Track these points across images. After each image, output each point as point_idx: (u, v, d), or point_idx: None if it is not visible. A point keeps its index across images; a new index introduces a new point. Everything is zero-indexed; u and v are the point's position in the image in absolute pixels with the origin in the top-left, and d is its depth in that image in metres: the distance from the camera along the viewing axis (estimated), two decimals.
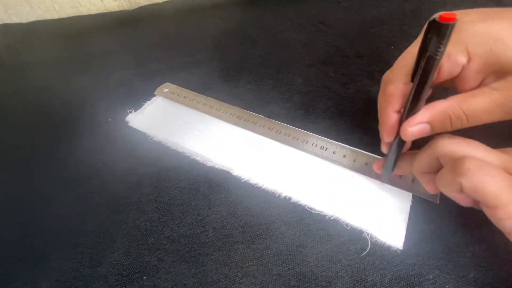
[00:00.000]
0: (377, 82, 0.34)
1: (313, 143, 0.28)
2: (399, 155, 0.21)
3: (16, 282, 0.22)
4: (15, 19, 0.53)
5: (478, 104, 0.17)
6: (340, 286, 0.20)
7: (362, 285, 0.20)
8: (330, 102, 0.33)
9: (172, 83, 0.37)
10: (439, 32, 0.14)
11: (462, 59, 0.17)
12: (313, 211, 0.24)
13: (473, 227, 0.22)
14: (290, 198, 0.25)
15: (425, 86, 0.16)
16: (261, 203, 0.25)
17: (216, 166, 0.28)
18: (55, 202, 0.27)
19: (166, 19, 0.51)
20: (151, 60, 0.42)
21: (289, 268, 0.21)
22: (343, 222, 0.23)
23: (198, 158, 0.29)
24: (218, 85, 0.37)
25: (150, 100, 0.35)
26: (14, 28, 0.52)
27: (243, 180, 0.26)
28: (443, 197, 0.23)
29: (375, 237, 0.22)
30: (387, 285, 0.20)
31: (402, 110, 0.19)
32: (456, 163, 0.17)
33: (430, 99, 0.18)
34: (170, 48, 0.44)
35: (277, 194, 0.25)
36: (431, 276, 0.20)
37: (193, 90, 0.36)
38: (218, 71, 0.39)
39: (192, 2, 0.54)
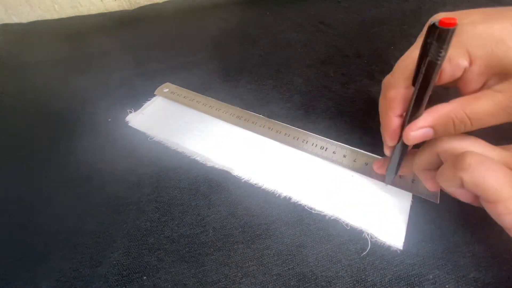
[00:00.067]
0: (377, 82, 0.34)
1: (313, 143, 0.28)
2: (402, 158, 0.21)
3: (16, 282, 0.22)
4: (15, 19, 0.53)
5: (482, 107, 0.16)
6: (340, 286, 0.20)
7: (362, 285, 0.20)
8: (330, 102, 0.33)
9: (172, 83, 0.37)
10: (439, 37, 0.14)
11: (464, 62, 0.17)
12: (313, 211, 0.24)
13: (473, 227, 0.22)
14: (290, 198, 0.25)
15: (427, 90, 0.16)
16: (261, 203, 0.25)
17: (216, 166, 0.28)
18: (55, 202, 0.27)
19: (166, 19, 0.51)
20: (151, 60, 0.42)
21: (289, 268, 0.21)
22: (343, 222, 0.23)
23: (198, 158, 0.29)
24: (218, 85, 0.37)
25: (150, 100, 0.35)
26: (14, 28, 0.52)
27: (243, 180, 0.26)
28: (443, 197, 0.23)
29: (375, 237, 0.22)
30: (387, 285, 0.20)
31: (404, 114, 0.19)
32: (457, 158, 0.17)
33: (431, 99, 0.18)
34: (170, 48, 0.44)
35: (277, 194, 0.25)
36: (431, 276, 0.20)
37: (193, 90, 0.36)
38: (218, 71, 0.39)
39: (192, 2, 0.54)
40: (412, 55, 0.19)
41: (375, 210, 0.23)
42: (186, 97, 0.35)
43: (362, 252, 0.21)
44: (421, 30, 0.21)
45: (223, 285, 0.21)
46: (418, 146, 0.20)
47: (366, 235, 0.22)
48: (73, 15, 0.54)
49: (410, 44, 0.20)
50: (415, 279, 0.20)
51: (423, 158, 0.20)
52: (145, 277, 0.22)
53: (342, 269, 0.21)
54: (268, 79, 0.37)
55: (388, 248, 0.21)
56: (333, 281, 0.20)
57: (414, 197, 0.24)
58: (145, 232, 0.24)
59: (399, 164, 0.21)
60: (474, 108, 0.17)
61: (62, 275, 0.22)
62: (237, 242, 0.23)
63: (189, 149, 0.29)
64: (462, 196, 0.18)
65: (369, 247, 0.22)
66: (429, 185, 0.20)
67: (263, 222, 0.24)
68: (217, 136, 0.30)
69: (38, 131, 0.34)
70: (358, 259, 0.21)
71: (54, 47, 0.47)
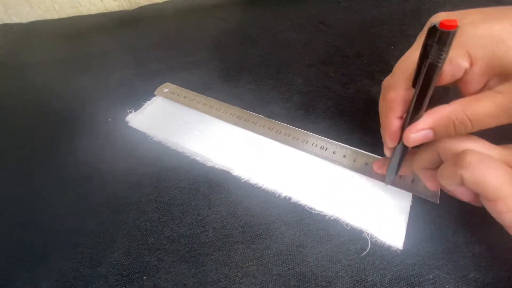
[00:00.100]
0: (377, 82, 0.34)
1: (313, 143, 0.28)
2: (402, 159, 0.21)
3: (16, 282, 0.22)
4: (15, 19, 0.53)
5: (483, 109, 0.16)
6: (340, 286, 0.20)
7: (362, 285, 0.20)
8: (330, 102, 0.33)
9: (172, 83, 0.37)
10: (440, 39, 0.14)
11: (464, 63, 0.17)
12: (313, 211, 0.24)
13: (473, 227, 0.22)
14: (290, 198, 0.25)
15: (427, 92, 0.16)
16: (261, 203, 0.25)
17: (216, 166, 0.28)
18: (55, 202, 0.27)
19: (166, 19, 0.51)
20: (151, 60, 0.42)
21: (289, 268, 0.21)
22: (343, 222, 0.23)
23: (198, 158, 0.29)
24: (218, 85, 0.37)
25: (150, 100, 0.35)
26: (14, 28, 0.52)
27: (243, 180, 0.26)
28: (443, 197, 0.23)
29: (375, 237, 0.22)
30: (387, 285, 0.20)
31: (404, 116, 0.19)
32: (457, 156, 0.17)
33: (431, 99, 0.18)
34: (170, 48, 0.44)
35: (277, 194, 0.25)
36: (431, 276, 0.20)
37: (193, 90, 0.36)
38: (218, 71, 0.39)
39: (192, 2, 0.54)
40: (411, 56, 0.19)
41: (375, 210, 0.23)
42: (186, 97, 0.35)
43: (362, 252, 0.21)
44: (421, 30, 0.21)
45: (223, 285, 0.21)
46: (418, 145, 0.20)
47: (366, 235, 0.22)
48: (73, 15, 0.54)
49: (410, 44, 0.20)
50: (415, 279, 0.20)
51: (424, 157, 0.20)
52: (145, 277, 0.22)
53: (342, 269, 0.21)
54: (268, 79, 0.37)
55: (388, 248, 0.21)
56: (333, 281, 0.20)
57: (414, 197, 0.24)
58: (145, 232, 0.24)
59: (399, 165, 0.21)
60: (475, 109, 0.16)
61: (62, 275, 0.22)
62: (237, 242, 0.23)
63: (189, 149, 0.29)
64: (462, 195, 0.18)
65: (369, 247, 0.22)
66: (429, 184, 0.20)
67: (263, 222, 0.24)
68: (217, 136, 0.30)
69: (38, 131, 0.34)
70: (358, 259, 0.21)
71: (54, 47, 0.47)
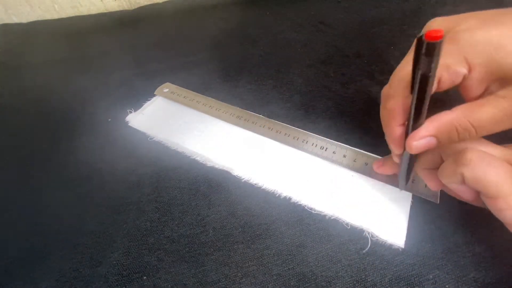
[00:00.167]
0: (377, 82, 0.34)
1: (313, 143, 0.28)
2: (412, 164, 0.21)
3: (16, 282, 0.22)
4: (15, 19, 0.54)
5: (486, 115, 0.16)
6: (340, 286, 0.20)
7: (362, 285, 0.20)
8: (330, 102, 0.33)
9: (172, 83, 0.37)
10: (427, 51, 0.13)
11: (462, 70, 0.17)
12: (313, 211, 0.24)
13: (473, 227, 0.22)
14: (290, 198, 0.25)
15: (424, 101, 0.16)
16: (261, 203, 0.25)
17: (216, 166, 0.28)
18: (55, 202, 0.27)
19: (166, 19, 0.51)
20: (151, 60, 0.42)
21: (289, 268, 0.21)
22: (343, 222, 0.23)
23: (198, 158, 0.29)
24: (218, 85, 0.37)
25: (150, 100, 0.35)
26: (14, 28, 0.52)
27: (243, 180, 0.26)
28: (443, 197, 0.23)
29: (376, 236, 0.22)
30: (387, 285, 0.20)
31: (406, 123, 0.19)
32: (458, 154, 0.17)
33: (433, 102, 0.18)
34: (170, 48, 0.44)
35: (277, 194, 0.25)
36: (431, 276, 0.20)
37: (193, 90, 0.36)
38: (218, 71, 0.39)
39: (192, 2, 0.54)
40: (407, 64, 0.19)
41: (375, 210, 0.23)
42: (186, 97, 0.35)
43: (362, 252, 0.21)
44: (421, 30, 0.21)
45: (223, 285, 0.21)
46: None
47: (366, 234, 0.22)
48: (73, 15, 0.54)
49: (410, 44, 0.20)
50: (415, 279, 0.20)
51: (425, 157, 0.20)
52: (145, 277, 0.22)
53: (342, 269, 0.21)
54: (268, 79, 0.37)
55: (389, 248, 0.21)
56: (333, 281, 0.20)
57: (414, 197, 0.24)
58: (145, 232, 0.24)
59: (409, 170, 0.21)
60: (478, 116, 0.16)
61: (62, 275, 0.22)
62: (237, 242, 0.23)
63: (189, 149, 0.29)
64: (463, 194, 0.18)
65: (369, 247, 0.22)
66: (430, 184, 0.20)
67: (263, 222, 0.24)
68: (217, 136, 0.30)
69: (38, 131, 0.34)
70: (358, 259, 0.21)
71: (54, 47, 0.47)
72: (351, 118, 0.31)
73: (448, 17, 0.19)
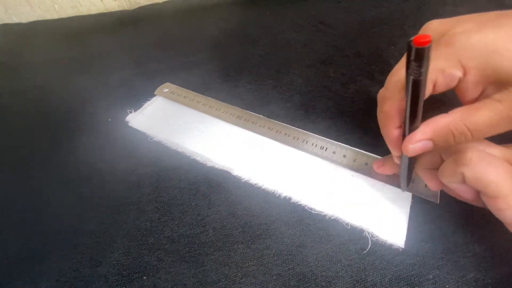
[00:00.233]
0: (377, 82, 0.34)
1: (313, 143, 0.28)
2: (412, 165, 0.21)
3: (16, 282, 0.22)
4: (15, 19, 0.53)
5: (482, 118, 0.16)
6: (340, 286, 0.20)
7: (362, 285, 0.20)
8: (330, 102, 0.33)
9: (172, 83, 0.37)
10: (416, 56, 0.13)
11: (457, 73, 0.17)
12: (313, 211, 0.24)
13: (473, 227, 0.22)
14: (290, 198, 0.25)
15: (418, 104, 0.16)
16: (261, 203, 0.25)
17: (216, 166, 0.28)
18: (55, 202, 0.27)
19: (166, 19, 0.51)
20: (151, 60, 0.42)
21: (289, 268, 0.21)
22: (343, 222, 0.23)
23: (198, 158, 0.29)
24: (218, 85, 0.37)
25: (150, 100, 0.35)
26: (14, 28, 0.52)
27: (243, 180, 0.26)
28: (443, 197, 0.23)
29: (376, 236, 0.22)
30: (387, 285, 0.20)
31: (402, 125, 0.19)
32: (458, 154, 0.17)
33: (428, 102, 0.18)
34: (170, 48, 0.44)
35: (277, 194, 0.25)
36: (431, 276, 0.20)
37: (193, 90, 0.36)
38: (218, 71, 0.39)
39: (192, 2, 0.54)
40: (401, 68, 0.19)
41: (375, 210, 0.23)
42: (186, 97, 0.35)
43: (362, 252, 0.21)
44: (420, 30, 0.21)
45: (223, 285, 0.21)
46: None
47: (366, 234, 0.22)
48: (73, 15, 0.54)
49: None
50: (415, 279, 0.20)
51: (425, 158, 0.20)
52: (145, 277, 0.22)
53: (342, 269, 0.21)
54: (268, 79, 0.37)
55: (389, 248, 0.21)
56: (333, 281, 0.20)
57: (414, 197, 0.24)
58: (145, 232, 0.24)
59: (409, 170, 0.21)
60: (474, 119, 0.16)
61: (62, 275, 0.22)
62: (237, 242, 0.23)
63: (189, 149, 0.29)
64: (463, 193, 0.18)
65: (369, 247, 0.22)
66: (431, 184, 0.20)
67: (263, 222, 0.24)
68: (217, 136, 0.30)
69: (38, 131, 0.34)
70: (358, 259, 0.21)
71: (54, 47, 0.47)
72: (351, 118, 0.31)
73: (445, 20, 0.19)
